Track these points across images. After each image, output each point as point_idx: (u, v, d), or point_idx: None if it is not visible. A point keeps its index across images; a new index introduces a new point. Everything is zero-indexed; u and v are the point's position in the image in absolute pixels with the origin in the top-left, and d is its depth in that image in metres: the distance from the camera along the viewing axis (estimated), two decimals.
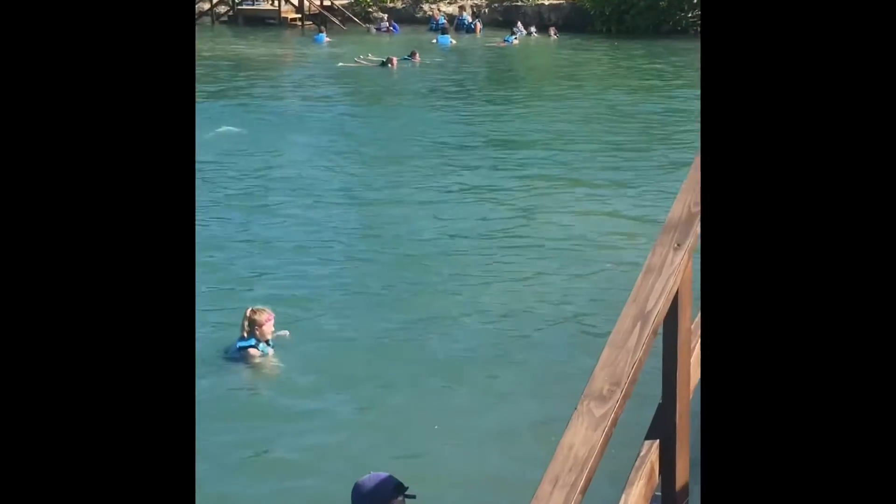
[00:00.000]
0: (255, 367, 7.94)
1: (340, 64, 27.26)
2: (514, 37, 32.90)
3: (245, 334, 8.02)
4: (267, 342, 8.07)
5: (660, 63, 27.21)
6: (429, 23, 37.55)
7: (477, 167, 14.82)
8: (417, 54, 27.59)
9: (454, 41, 32.59)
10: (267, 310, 8.17)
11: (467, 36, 35.06)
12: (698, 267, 2.68)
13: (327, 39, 33.08)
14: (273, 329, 8.11)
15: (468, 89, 23.05)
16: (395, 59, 26.60)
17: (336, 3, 38.92)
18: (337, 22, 37.36)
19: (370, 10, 39.12)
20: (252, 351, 8.00)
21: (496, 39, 33.14)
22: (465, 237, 11.37)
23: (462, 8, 37.79)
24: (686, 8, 33.99)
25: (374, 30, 37.13)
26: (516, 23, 35.11)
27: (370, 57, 27.87)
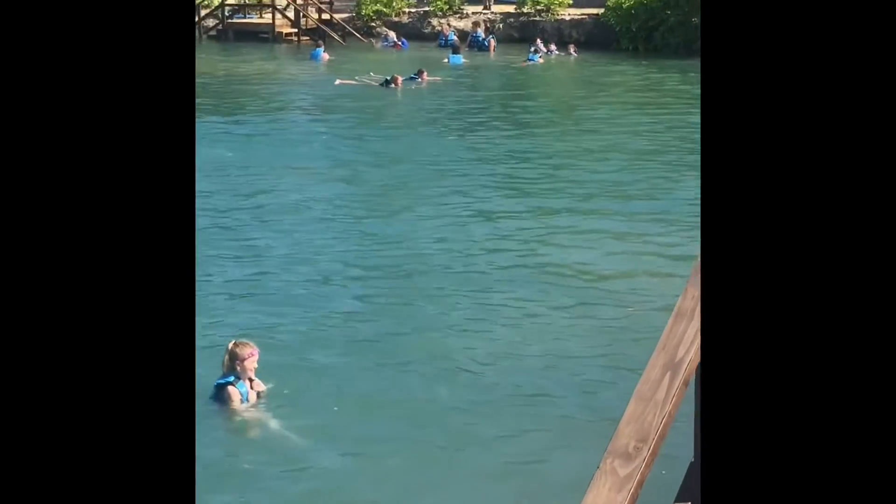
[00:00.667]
0: (231, 415, 7.85)
1: (338, 82, 27.35)
2: (537, 55, 33.03)
3: (225, 370, 7.92)
4: (250, 380, 7.98)
5: (692, 85, 27.31)
6: (437, 39, 37.75)
7: (489, 197, 14.86)
8: (425, 73, 27.68)
9: (466, 60, 32.73)
10: (251, 344, 8.06)
11: (480, 54, 35.20)
12: None
13: (325, 56, 33.21)
14: (256, 366, 7.99)
15: (482, 113, 23.15)
16: (399, 79, 26.66)
17: (335, 16, 39.21)
18: (336, 37, 37.64)
19: (373, 24, 39.39)
20: (231, 390, 7.87)
21: (519, 58, 33.28)
22: (472, 272, 11.38)
23: (476, 24, 38.00)
24: None
25: (380, 45, 37.36)
26: (535, 40, 35.29)
27: (371, 76, 27.98)
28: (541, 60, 32.84)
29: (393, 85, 26.42)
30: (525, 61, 32.73)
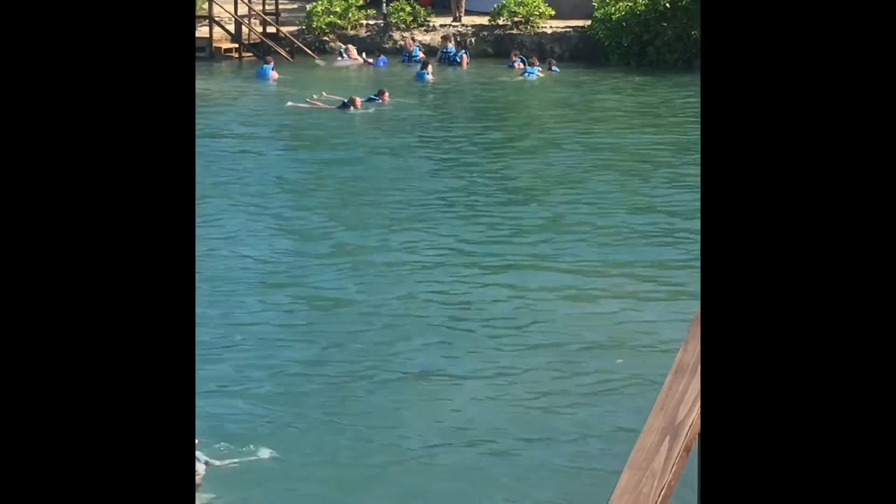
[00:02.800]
0: None
1: (290, 104, 27.46)
2: (536, 69, 33.33)
3: None
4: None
5: (691, 102, 27.52)
6: (401, 55, 37.89)
7: (469, 230, 14.90)
8: (386, 94, 27.80)
9: (431, 76, 32.98)
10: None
11: (451, 70, 35.41)
12: None
13: (274, 74, 33.24)
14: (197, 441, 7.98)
15: (453, 136, 23.23)
16: (357, 100, 26.77)
17: (282, 30, 39.28)
18: (283, 53, 37.70)
19: (326, 38, 39.52)
20: None
21: (497, 73, 33.55)
22: (438, 317, 11.37)
23: (446, 38, 38.19)
24: None
25: (339, 57, 37.42)
26: (511, 54, 35.55)
27: (324, 96, 28.08)
28: (541, 74, 33.16)
29: (351, 107, 26.51)
30: (520, 74, 33.08)
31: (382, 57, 37.29)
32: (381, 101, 27.49)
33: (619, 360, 10.22)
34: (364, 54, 37.48)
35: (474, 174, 19.34)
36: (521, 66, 34.47)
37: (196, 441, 7.82)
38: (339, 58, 37.74)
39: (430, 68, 33.87)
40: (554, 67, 34.17)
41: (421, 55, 36.97)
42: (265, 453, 8.42)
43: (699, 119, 3.04)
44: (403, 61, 36.81)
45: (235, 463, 8.25)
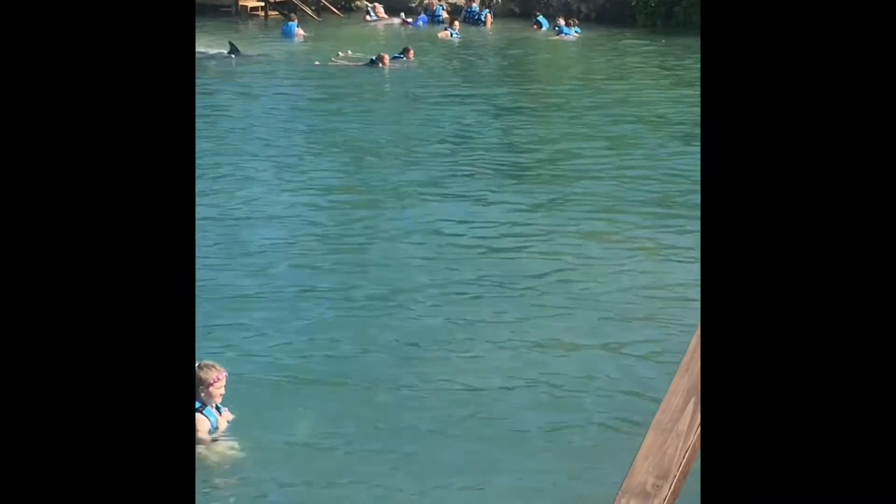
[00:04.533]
0: (198, 446, 7.80)
1: (318, 63, 27.49)
2: (573, 30, 33.31)
3: None
4: (217, 408, 7.90)
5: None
6: (424, 13, 37.76)
7: (484, 197, 14.89)
8: (412, 51, 27.79)
9: (450, 34, 32.97)
10: (217, 366, 7.95)
11: (475, 30, 35.31)
12: None
13: (300, 32, 33.17)
14: (223, 392, 7.89)
15: (482, 94, 23.18)
16: (386, 58, 26.85)
17: None
18: (309, 11, 37.62)
19: None
20: (199, 418, 7.74)
21: (520, 33, 33.48)
22: (464, 286, 11.38)
23: None
24: None
25: (368, 16, 37.34)
26: (535, 15, 35.47)
27: (349, 54, 28.10)
28: (577, 35, 33.15)
29: (380, 64, 26.68)
30: (556, 33, 33.12)
31: (423, 16, 37.08)
32: (405, 58, 27.47)
33: (638, 322, 10.23)
34: (403, 14, 37.32)
35: (507, 138, 19.31)
36: (538, 26, 34.47)
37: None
38: (368, 16, 37.62)
39: (456, 26, 33.81)
40: (576, 28, 34.04)
41: (445, 14, 36.85)
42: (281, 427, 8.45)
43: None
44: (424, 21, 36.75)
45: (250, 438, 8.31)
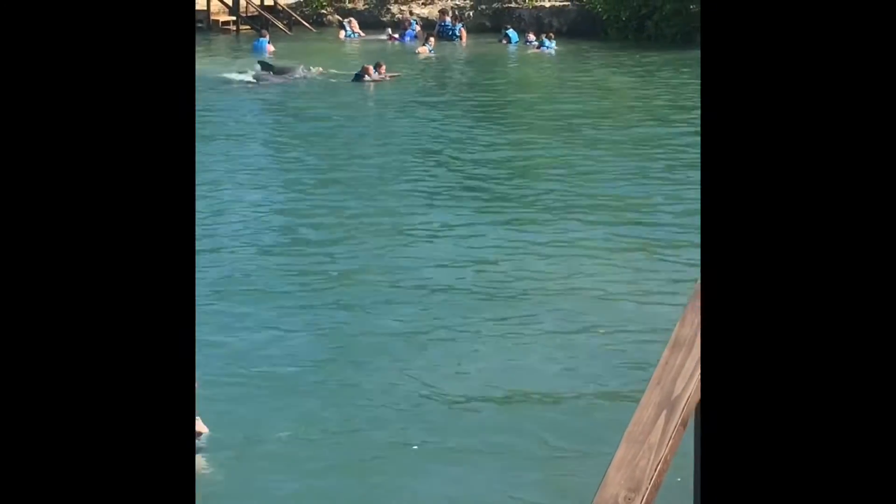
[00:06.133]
0: None
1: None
2: (553, 43, 33.50)
3: None
4: None
5: (692, 76, 27.48)
6: (397, 28, 37.73)
7: (458, 207, 14.90)
8: (383, 66, 27.85)
9: (428, 50, 33.02)
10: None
11: (450, 45, 35.36)
12: None
13: (271, 47, 33.16)
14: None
15: (452, 110, 23.22)
16: (371, 69, 27.22)
17: (280, 2, 39.15)
18: (281, 26, 37.61)
19: (324, 11, 39.41)
20: None
21: (492, 49, 33.59)
22: (438, 292, 11.39)
23: (443, 11, 38.07)
24: None
25: (342, 31, 37.27)
26: (504, 28, 35.65)
27: (320, 70, 28.22)
28: (558, 48, 33.37)
29: (366, 77, 26.95)
30: (538, 47, 33.30)
31: (410, 31, 36.89)
32: (378, 73, 27.51)
33: (602, 331, 10.26)
34: (390, 29, 37.23)
35: (477, 152, 19.36)
36: (507, 40, 34.66)
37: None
38: (343, 31, 37.45)
39: (432, 42, 33.86)
40: (553, 42, 34.18)
41: (417, 29, 36.90)
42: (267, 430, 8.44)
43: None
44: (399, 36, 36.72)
45: (241, 437, 8.27)
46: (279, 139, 20.65)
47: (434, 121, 22.21)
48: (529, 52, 33.64)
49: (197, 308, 2.72)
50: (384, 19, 39.14)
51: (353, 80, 26.89)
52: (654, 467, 3.01)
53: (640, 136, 20.32)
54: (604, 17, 35.79)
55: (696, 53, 31.51)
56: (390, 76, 27.51)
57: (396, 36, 36.54)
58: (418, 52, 33.08)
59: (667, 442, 3.08)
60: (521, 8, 37.95)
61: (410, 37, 36.23)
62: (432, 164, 18.14)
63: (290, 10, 38.82)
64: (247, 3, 38.72)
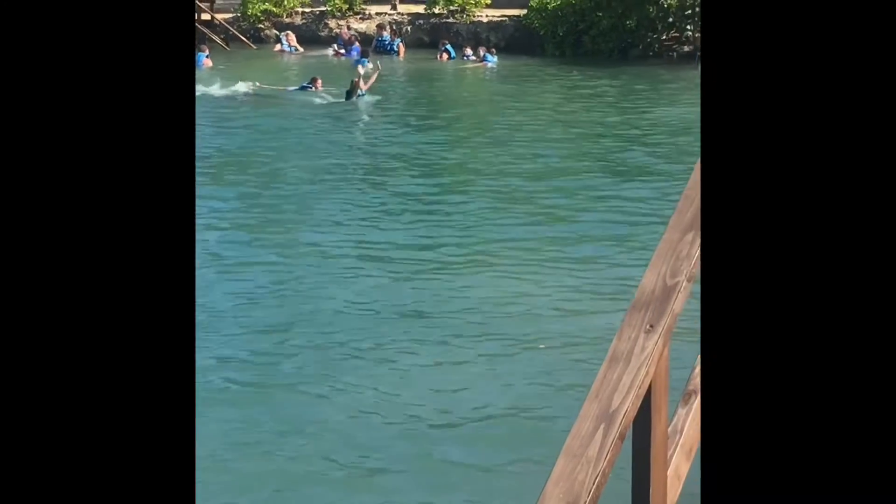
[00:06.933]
0: None
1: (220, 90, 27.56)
2: (495, 58, 33.63)
3: None
4: None
5: (627, 92, 27.65)
6: (335, 42, 37.55)
7: (401, 226, 14.89)
8: (319, 81, 27.79)
9: (369, 64, 32.87)
10: None
11: (388, 60, 35.25)
12: (676, 355, 2.80)
13: (208, 62, 32.93)
14: None
15: (395, 125, 23.22)
16: (319, 81, 27.44)
17: (217, 17, 38.92)
18: (218, 40, 37.40)
19: (261, 25, 39.24)
20: None
21: (431, 64, 33.59)
22: (382, 311, 11.38)
23: (381, 26, 37.99)
24: (659, 29, 34.64)
25: (279, 45, 37.10)
26: (443, 43, 35.63)
27: (258, 86, 28.17)
28: (495, 64, 33.49)
29: (313, 88, 27.21)
30: (480, 61, 33.37)
31: (356, 46, 36.37)
32: (313, 88, 27.44)
33: (542, 346, 10.29)
34: (335, 46, 36.98)
35: (423, 168, 19.35)
36: (448, 56, 34.71)
37: None
38: (280, 45, 37.23)
39: (370, 57, 33.66)
40: (495, 57, 34.28)
41: (357, 46, 36.71)
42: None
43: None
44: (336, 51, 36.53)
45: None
46: (208, 152, 20.51)
47: (373, 135, 22.20)
48: (468, 66, 33.67)
49: None
50: (322, 34, 38.99)
51: (345, 99, 26.59)
52: (593, 480, 3.02)
53: (577, 152, 20.38)
54: (541, 33, 35.86)
55: (632, 69, 31.83)
56: (375, 78, 27.74)
57: (343, 52, 36.35)
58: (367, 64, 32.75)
59: (605, 455, 3.09)
60: (459, 23, 37.96)
61: (357, 52, 35.89)
62: (364, 180, 18.12)
63: (227, 25, 38.59)
64: None
